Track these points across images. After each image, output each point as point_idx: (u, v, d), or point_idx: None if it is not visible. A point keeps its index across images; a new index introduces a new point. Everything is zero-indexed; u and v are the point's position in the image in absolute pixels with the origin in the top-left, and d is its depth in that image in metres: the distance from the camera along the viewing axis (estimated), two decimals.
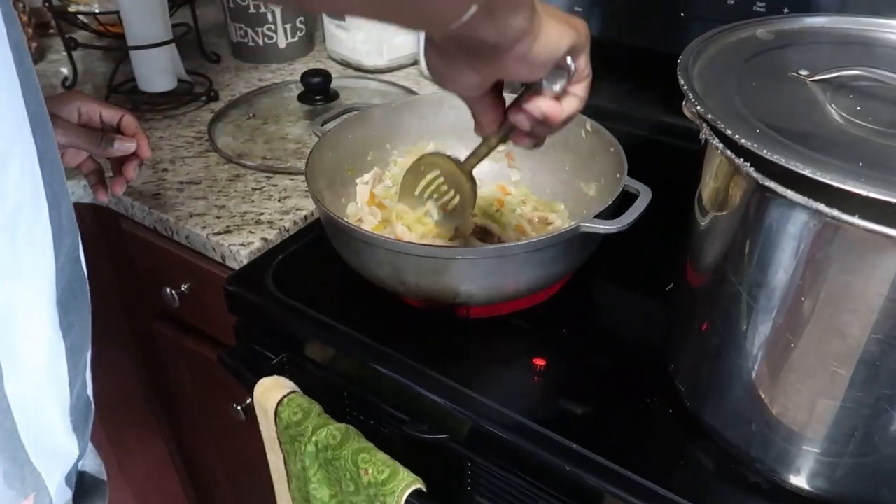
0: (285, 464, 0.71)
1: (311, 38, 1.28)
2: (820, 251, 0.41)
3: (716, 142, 0.46)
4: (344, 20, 1.16)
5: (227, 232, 0.79)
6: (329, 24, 1.19)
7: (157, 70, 1.04)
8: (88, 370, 0.53)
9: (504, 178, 0.84)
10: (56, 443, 0.46)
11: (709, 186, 0.52)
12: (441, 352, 0.65)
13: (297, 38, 1.23)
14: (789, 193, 0.40)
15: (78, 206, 0.61)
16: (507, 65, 0.43)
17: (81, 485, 0.54)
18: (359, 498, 0.63)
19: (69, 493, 0.50)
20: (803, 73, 0.54)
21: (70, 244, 0.46)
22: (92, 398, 0.54)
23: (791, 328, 0.45)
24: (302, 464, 0.66)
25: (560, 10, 0.47)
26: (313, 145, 0.73)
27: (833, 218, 0.38)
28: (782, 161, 0.41)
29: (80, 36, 1.16)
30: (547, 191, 0.81)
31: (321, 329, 0.68)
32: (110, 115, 0.69)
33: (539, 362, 0.63)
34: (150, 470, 1.26)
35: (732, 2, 0.83)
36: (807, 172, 0.39)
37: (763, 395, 0.48)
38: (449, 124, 0.83)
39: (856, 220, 0.38)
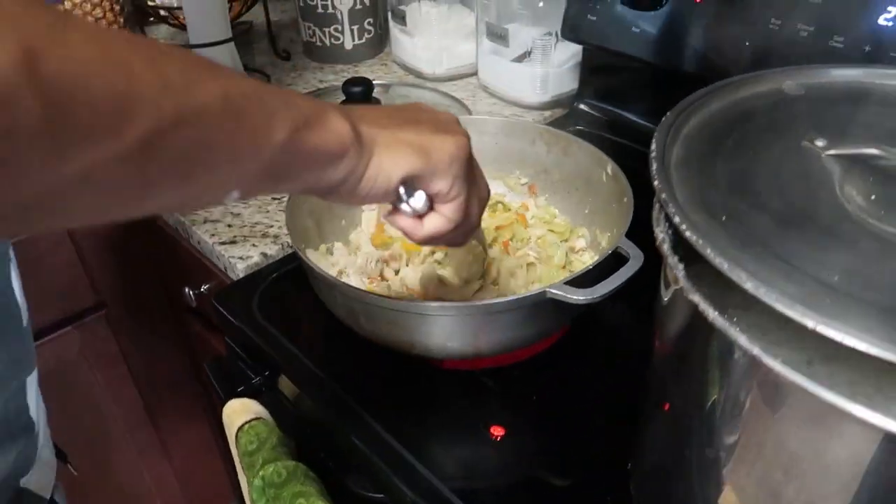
0: (248, 487, 0.70)
1: (380, 41, 1.26)
2: (746, 392, 0.33)
3: (660, 228, 0.38)
4: (406, 24, 1.12)
5: (233, 242, 0.79)
6: (394, 29, 1.16)
7: None
8: (30, 394, 0.54)
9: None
10: None
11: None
12: (400, 403, 0.61)
13: (364, 40, 1.21)
14: (710, 313, 0.32)
15: None
16: (332, 199, 0.40)
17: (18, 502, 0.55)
18: None
19: None
20: (819, 143, 0.44)
21: None
22: (35, 419, 0.55)
23: (723, 474, 0.36)
24: (252, 495, 0.65)
25: (434, 120, 0.42)
26: None
27: (754, 357, 0.30)
28: (724, 267, 0.33)
29: (162, 30, 1.21)
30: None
31: (288, 362, 0.65)
32: None
33: (497, 431, 0.58)
34: (193, 450, 1.31)
35: (805, 34, 0.71)
36: (748, 286, 0.31)
37: None
38: (491, 155, 0.77)
39: (777, 365, 0.29)
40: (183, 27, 1.18)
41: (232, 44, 1.06)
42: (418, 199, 0.42)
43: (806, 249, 0.35)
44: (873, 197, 0.39)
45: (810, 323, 0.29)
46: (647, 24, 0.85)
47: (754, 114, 0.47)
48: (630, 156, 0.68)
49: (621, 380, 0.61)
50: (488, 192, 0.49)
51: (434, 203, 0.44)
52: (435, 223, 0.44)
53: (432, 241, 0.45)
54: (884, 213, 0.37)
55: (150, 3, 1.18)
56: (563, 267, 0.70)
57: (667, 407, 0.43)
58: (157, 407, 1.22)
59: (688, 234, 0.35)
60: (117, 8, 1.27)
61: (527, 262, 0.70)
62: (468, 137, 0.44)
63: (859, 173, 0.41)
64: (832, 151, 0.43)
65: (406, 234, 0.45)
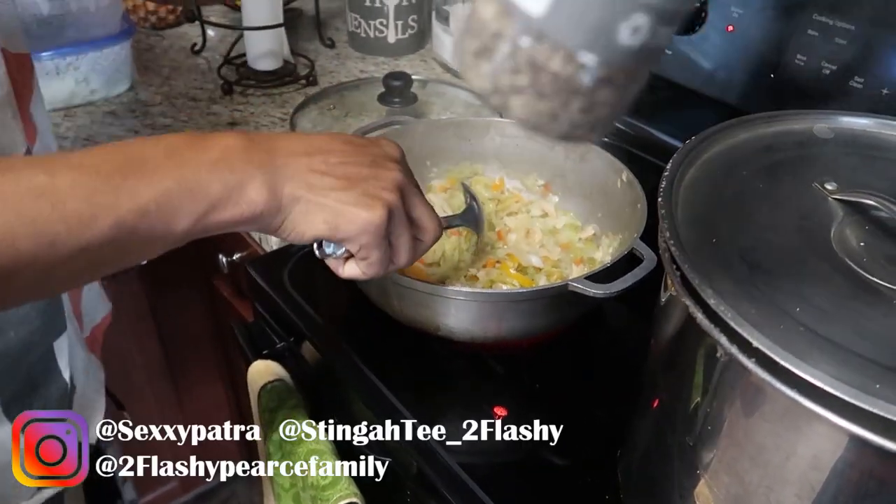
0: (264, 443, 0.76)
1: (422, 38, 1.30)
2: (724, 388, 0.37)
3: (663, 237, 0.43)
4: (449, 25, 1.17)
5: None
6: (437, 27, 1.21)
7: (264, 50, 1.12)
8: (60, 357, 0.58)
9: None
10: None
11: None
12: (412, 377, 0.66)
13: (407, 35, 1.26)
14: (698, 315, 0.37)
15: None
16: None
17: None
18: (305, 495, 0.66)
19: None
20: (829, 186, 0.47)
21: None
22: (68, 378, 0.59)
23: (699, 461, 0.41)
24: (268, 449, 0.70)
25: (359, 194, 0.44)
26: None
27: (732, 356, 0.35)
28: (695, 281, 0.36)
29: (216, 9, 1.27)
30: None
31: (312, 329, 0.71)
32: None
33: (500, 411, 0.63)
34: (206, 407, 1.37)
35: (828, 72, 0.75)
36: (711, 302, 0.35)
37: None
38: (493, 150, 0.83)
39: (751, 364, 0.34)
40: (236, 8, 1.24)
41: (282, 29, 1.12)
42: (334, 250, 0.47)
43: (782, 279, 0.39)
44: (862, 244, 0.42)
45: (755, 342, 0.33)
46: (682, 46, 0.89)
47: (778, 150, 0.50)
48: (651, 171, 0.73)
49: (616, 376, 0.66)
50: (436, 230, 0.50)
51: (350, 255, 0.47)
52: (352, 271, 0.48)
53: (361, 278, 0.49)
54: (866, 259, 0.40)
55: None
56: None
57: (656, 402, 0.48)
58: (178, 363, 1.28)
59: (672, 249, 0.40)
60: None
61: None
62: (389, 207, 0.45)
63: (857, 220, 0.44)
64: (838, 196, 0.46)
65: (332, 270, 0.50)
